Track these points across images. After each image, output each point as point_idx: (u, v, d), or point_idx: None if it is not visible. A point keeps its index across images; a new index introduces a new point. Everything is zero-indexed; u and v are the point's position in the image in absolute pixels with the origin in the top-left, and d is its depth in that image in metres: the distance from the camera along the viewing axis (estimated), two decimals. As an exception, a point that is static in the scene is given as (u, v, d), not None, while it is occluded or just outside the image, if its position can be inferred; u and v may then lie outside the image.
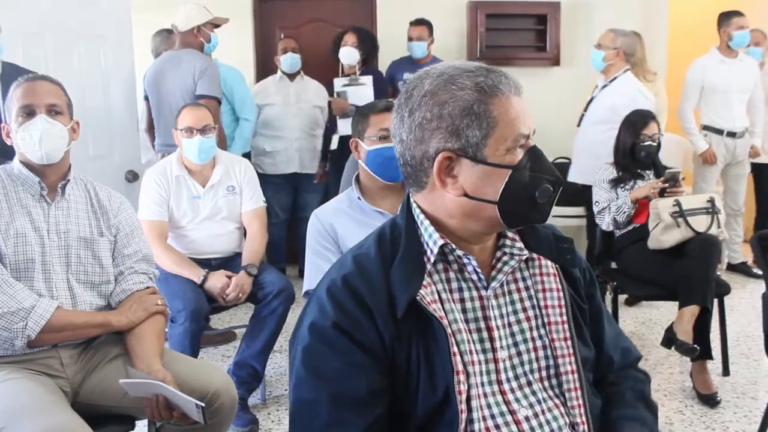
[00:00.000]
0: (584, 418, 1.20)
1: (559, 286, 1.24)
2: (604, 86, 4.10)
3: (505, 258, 1.23)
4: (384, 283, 1.15)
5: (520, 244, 1.24)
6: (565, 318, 1.22)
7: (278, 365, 3.53)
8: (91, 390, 1.99)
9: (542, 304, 1.23)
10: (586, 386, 1.22)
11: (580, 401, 1.21)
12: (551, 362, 1.21)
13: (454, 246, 1.18)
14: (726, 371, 3.30)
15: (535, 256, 1.25)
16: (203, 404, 1.79)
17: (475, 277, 1.20)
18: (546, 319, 1.22)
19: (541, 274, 1.25)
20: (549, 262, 1.25)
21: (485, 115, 1.13)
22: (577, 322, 1.25)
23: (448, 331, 1.13)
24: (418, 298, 1.12)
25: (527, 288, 1.24)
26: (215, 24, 4.02)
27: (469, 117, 1.13)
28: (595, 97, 4.16)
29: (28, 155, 2.03)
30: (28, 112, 2.02)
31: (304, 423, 1.14)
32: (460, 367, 1.13)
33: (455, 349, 1.13)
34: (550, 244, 1.26)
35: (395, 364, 1.14)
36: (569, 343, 1.21)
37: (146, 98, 3.98)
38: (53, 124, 2.03)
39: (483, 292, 1.20)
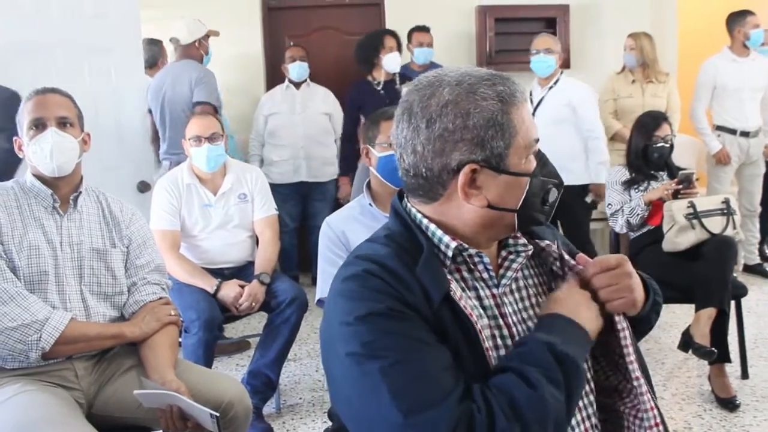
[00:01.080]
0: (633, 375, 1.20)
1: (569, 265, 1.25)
2: (550, 88, 4.12)
3: (512, 256, 1.24)
4: (412, 278, 1.12)
5: (523, 240, 1.25)
6: None
7: (292, 374, 3.53)
8: (105, 401, 1.99)
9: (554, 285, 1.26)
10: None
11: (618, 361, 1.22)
12: None
13: (466, 246, 1.18)
14: (745, 374, 3.26)
15: (542, 244, 1.26)
16: (218, 414, 1.79)
17: (486, 275, 1.20)
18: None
19: (543, 266, 1.28)
20: (554, 246, 1.26)
21: (508, 125, 1.13)
22: None
23: (478, 327, 1.12)
24: (450, 292, 1.11)
25: (540, 284, 1.26)
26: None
27: (494, 128, 1.12)
28: (543, 99, 4.13)
29: (40, 168, 2.04)
30: (39, 125, 2.04)
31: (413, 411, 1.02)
32: (493, 362, 1.12)
33: (487, 344, 1.13)
34: (546, 230, 1.31)
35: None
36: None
37: (150, 111, 4.02)
38: (63, 137, 2.04)
39: (495, 290, 1.20)
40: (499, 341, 1.16)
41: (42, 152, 2.01)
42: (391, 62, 4.34)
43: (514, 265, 1.22)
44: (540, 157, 1.20)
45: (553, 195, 1.20)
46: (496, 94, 1.13)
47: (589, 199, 4.20)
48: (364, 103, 4.31)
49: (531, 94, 4.16)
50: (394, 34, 4.43)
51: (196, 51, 4.12)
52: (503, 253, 1.24)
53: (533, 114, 4.08)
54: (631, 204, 3.42)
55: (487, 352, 1.12)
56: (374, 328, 1.06)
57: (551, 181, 1.20)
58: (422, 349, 1.06)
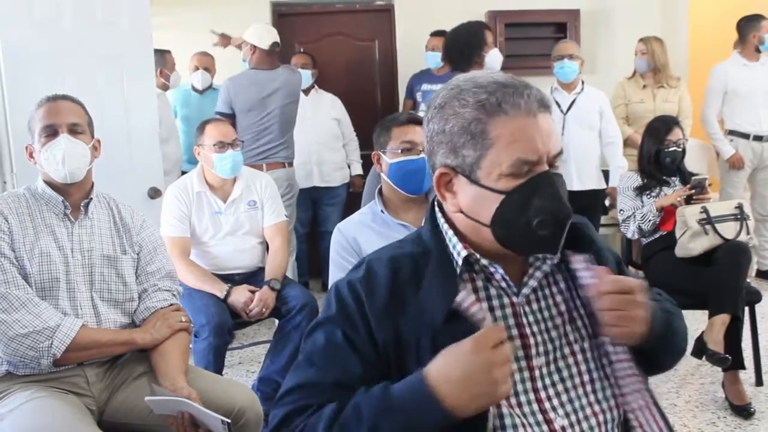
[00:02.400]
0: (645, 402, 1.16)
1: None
2: (578, 93, 4.15)
3: (538, 263, 1.20)
4: (411, 297, 1.15)
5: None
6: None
7: (303, 380, 3.51)
8: (116, 408, 1.98)
9: (581, 302, 1.20)
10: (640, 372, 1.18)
11: (637, 387, 1.16)
12: (591, 366, 1.18)
13: (478, 256, 1.16)
14: (759, 381, 3.23)
15: (569, 255, 1.19)
16: (229, 420, 1.78)
17: (504, 284, 1.18)
18: (588, 315, 1.19)
19: (569, 280, 1.22)
20: (581, 257, 1.18)
21: (481, 136, 1.10)
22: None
23: None
24: (454, 305, 1.09)
25: (567, 290, 1.21)
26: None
27: (465, 136, 1.11)
28: (573, 104, 4.14)
29: (51, 175, 2.04)
30: (51, 132, 2.04)
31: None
32: None
33: None
34: (578, 237, 1.22)
35: (404, 370, 1.11)
36: (602, 361, 1.18)
37: (225, 114, 4.08)
38: (75, 143, 2.05)
39: (514, 299, 1.17)
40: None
41: (54, 159, 2.02)
42: (494, 59, 3.88)
43: (537, 273, 1.19)
44: (541, 180, 1.10)
45: (544, 225, 1.09)
46: (476, 102, 1.11)
47: (608, 202, 4.23)
48: None
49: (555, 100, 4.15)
50: (489, 27, 4.14)
51: (277, 56, 4.27)
52: (530, 261, 1.20)
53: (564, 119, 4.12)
54: (643, 210, 3.40)
55: None
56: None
57: (546, 207, 1.09)
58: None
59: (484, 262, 1.16)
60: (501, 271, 1.17)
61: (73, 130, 2.06)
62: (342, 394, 1.11)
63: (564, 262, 1.21)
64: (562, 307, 1.20)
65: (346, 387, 1.12)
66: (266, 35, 4.18)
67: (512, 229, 1.12)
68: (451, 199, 1.17)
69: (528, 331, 1.16)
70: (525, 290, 1.18)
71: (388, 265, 1.19)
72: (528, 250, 1.16)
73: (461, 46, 3.81)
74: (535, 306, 1.19)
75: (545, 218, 1.09)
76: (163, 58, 4.46)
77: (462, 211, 1.16)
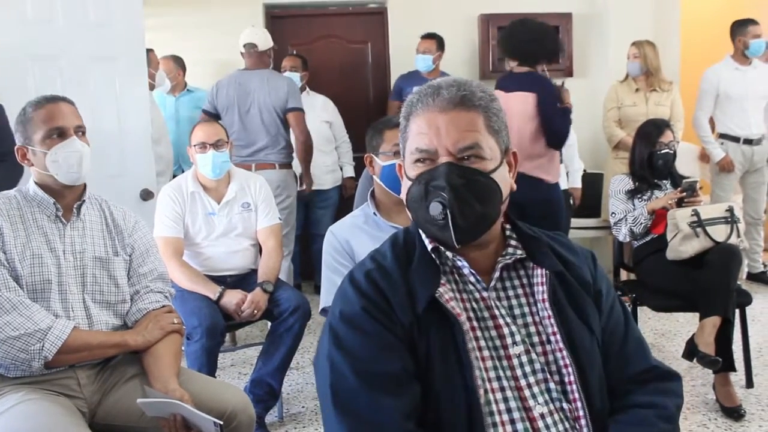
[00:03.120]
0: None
1: (545, 297, 1.23)
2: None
3: (505, 258, 1.26)
4: (402, 279, 1.21)
5: (521, 251, 1.27)
6: (555, 329, 1.22)
7: (295, 382, 3.52)
8: (108, 410, 1.98)
9: (536, 317, 1.24)
10: (597, 397, 1.21)
11: (581, 413, 1.18)
12: (556, 366, 1.21)
13: (443, 249, 1.24)
14: (750, 383, 3.25)
15: (530, 263, 1.27)
16: (221, 422, 1.78)
17: (472, 279, 1.24)
18: (544, 330, 1.23)
19: (534, 284, 1.26)
20: (540, 270, 1.26)
21: (404, 130, 1.27)
22: (575, 334, 1.22)
23: (465, 327, 1.17)
24: (437, 295, 1.17)
25: (531, 294, 1.26)
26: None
27: (400, 132, 1.29)
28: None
29: (60, 177, 2.02)
30: (60, 134, 2.03)
31: (345, 409, 1.13)
32: (476, 363, 1.16)
33: (471, 345, 1.17)
34: (539, 249, 1.28)
35: (415, 354, 1.17)
36: (565, 353, 1.20)
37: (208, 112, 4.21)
38: (84, 146, 2.06)
39: (484, 294, 1.23)
40: (488, 343, 1.20)
41: (67, 161, 2.01)
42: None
43: (498, 266, 1.25)
44: (439, 169, 1.19)
45: (435, 208, 1.17)
46: (407, 104, 1.27)
47: (572, 201, 4.33)
48: None
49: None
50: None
51: (267, 59, 4.31)
52: (499, 259, 1.26)
53: None
54: (635, 213, 3.42)
55: (470, 353, 1.15)
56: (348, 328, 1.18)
57: (438, 193, 1.18)
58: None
59: (448, 254, 1.24)
60: (467, 265, 1.23)
61: (79, 132, 2.07)
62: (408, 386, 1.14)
63: (527, 262, 1.28)
64: (533, 308, 1.25)
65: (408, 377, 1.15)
66: (242, 36, 4.27)
67: (418, 213, 1.23)
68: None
69: (502, 321, 1.22)
70: (492, 282, 1.24)
71: (391, 248, 1.28)
72: (436, 238, 1.24)
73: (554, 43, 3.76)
74: (505, 302, 1.25)
75: (436, 203, 1.18)
76: (147, 57, 4.47)
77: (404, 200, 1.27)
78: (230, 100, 4.17)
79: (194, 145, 3.09)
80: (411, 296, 1.18)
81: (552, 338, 1.21)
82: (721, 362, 2.94)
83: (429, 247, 1.24)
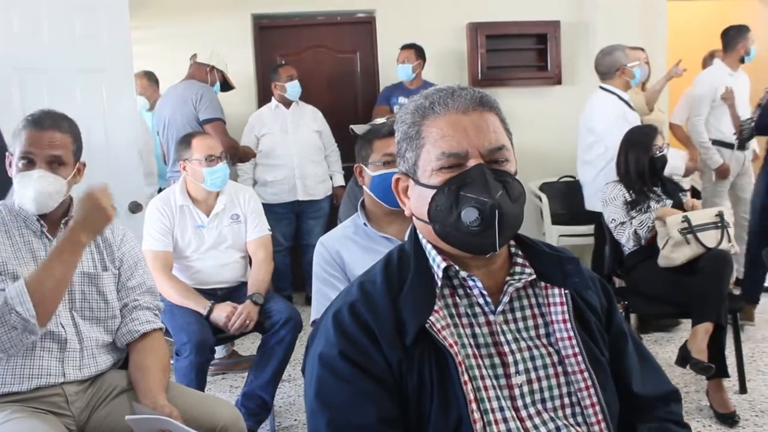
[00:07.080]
0: None
1: (566, 317, 1.17)
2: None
3: (515, 279, 1.19)
4: (391, 309, 1.13)
5: (530, 270, 1.21)
6: (577, 350, 1.16)
7: (287, 395, 3.49)
8: (96, 427, 1.95)
9: (552, 339, 1.18)
10: (610, 420, 1.16)
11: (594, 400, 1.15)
12: (572, 389, 1.16)
13: (458, 268, 1.16)
14: (743, 389, 3.25)
15: (542, 283, 1.20)
16: (211, 439, 1.76)
17: (482, 300, 1.17)
18: (560, 352, 1.17)
19: (548, 305, 1.20)
20: (556, 290, 1.19)
21: (416, 137, 1.17)
22: (592, 355, 1.18)
23: (458, 359, 1.10)
24: (427, 325, 1.10)
25: (540, 315, 1.20)
26: (224, 80, 4.44)
27: (406, 140, 1.19)
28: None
29: (21, 204, 1.98)
30: (27, 162, 1.96)
31: None
32: (472, 396, 1.09)
33: (465, 377, 1.10)
34: (557, 268, 1.20)
35: (406, 391, 1.11)
36: (586, 375, 1.16)
37: (157, 133, 4.27)
38: (48, 180, 1.95)
39: (491, 317, 1.17)
40: (489, 371, 1.13)
41: (24, 191, 1.95)
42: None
43: (509, 289, 1.18)
44: (470, 173, 1.12)
45: (470, 215, 1.10)
46: (415, 108, 1.18)
47: None
48: None
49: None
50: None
51: (205, 74, 4.30)
52: (507, 279, 1.19)
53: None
54: (641, 217, 3.36)
55: (465, 385, 1.09)
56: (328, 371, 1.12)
57: (472, 199, 1.10)
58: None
59: (463, 274, 1.16)
60: (480, 284, 1.16)
61: (53, 163, 1.97)
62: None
63: (537, 282, 1.21)
64: (541, 331, 1.19)
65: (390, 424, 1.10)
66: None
67: (446, 223, 1.14)
68: (408, 203, 1.22)
69: (506, 349, 1.15)
70: (500, 307, 1.17)
71: (383, 270, 1.21)
72: (467, 246, 1.15)
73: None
74: (513, 326, 1.18)
75: (471, 209, 1.10)
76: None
77: (413, 215, 1.20)
78: (160, 116, 4.32)
79: (203, 159, 3.05)
80: (400, 328, 1.11)
81: (573, 360, 1.16)
82: (714, 369, 2.94)
83: (442, 266, 1.16)
